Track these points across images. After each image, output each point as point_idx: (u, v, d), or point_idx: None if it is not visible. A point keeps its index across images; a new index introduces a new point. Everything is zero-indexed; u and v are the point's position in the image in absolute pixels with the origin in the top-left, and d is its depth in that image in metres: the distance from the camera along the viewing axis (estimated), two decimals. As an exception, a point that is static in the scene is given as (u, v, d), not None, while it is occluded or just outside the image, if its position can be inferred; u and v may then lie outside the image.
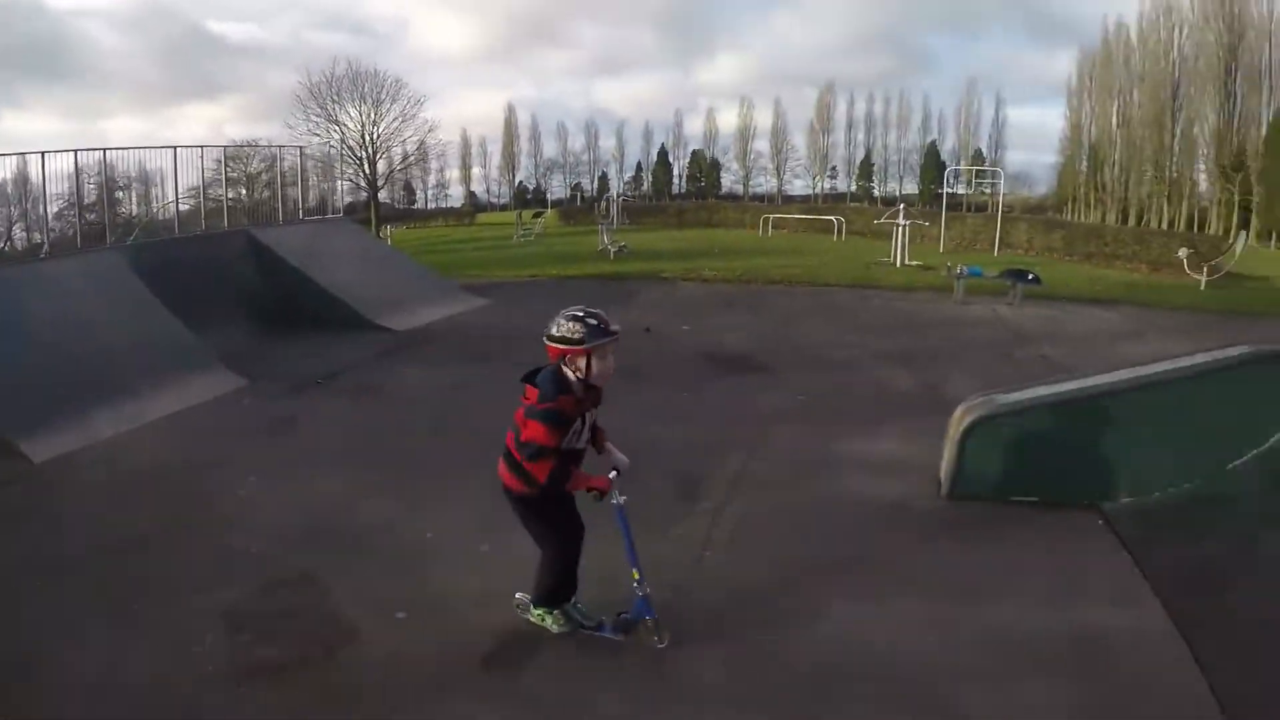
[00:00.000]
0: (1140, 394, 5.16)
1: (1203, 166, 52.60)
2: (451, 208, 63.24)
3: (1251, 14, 48.95)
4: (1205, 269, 15.98)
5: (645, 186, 71.50)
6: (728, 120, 70.95)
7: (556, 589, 3.40)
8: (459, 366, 9.26)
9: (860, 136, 70.82)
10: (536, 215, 37.89)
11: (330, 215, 15.91)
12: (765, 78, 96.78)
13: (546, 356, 3.15)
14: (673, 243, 25.48)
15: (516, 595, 3.52)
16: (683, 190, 70.70)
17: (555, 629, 3.42)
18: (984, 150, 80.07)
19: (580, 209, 47.47)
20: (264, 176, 20.28)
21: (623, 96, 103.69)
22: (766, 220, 31.09)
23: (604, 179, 69.55)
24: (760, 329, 11.68)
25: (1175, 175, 55.82)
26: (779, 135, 69.31)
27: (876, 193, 68.18)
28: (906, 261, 18.38)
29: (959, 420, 5.21)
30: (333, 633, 3.47)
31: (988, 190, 33.60)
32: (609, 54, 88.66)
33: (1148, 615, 3.72)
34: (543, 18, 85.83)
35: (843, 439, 6.13)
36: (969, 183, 53.62)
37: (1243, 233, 20.51)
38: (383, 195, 50.47)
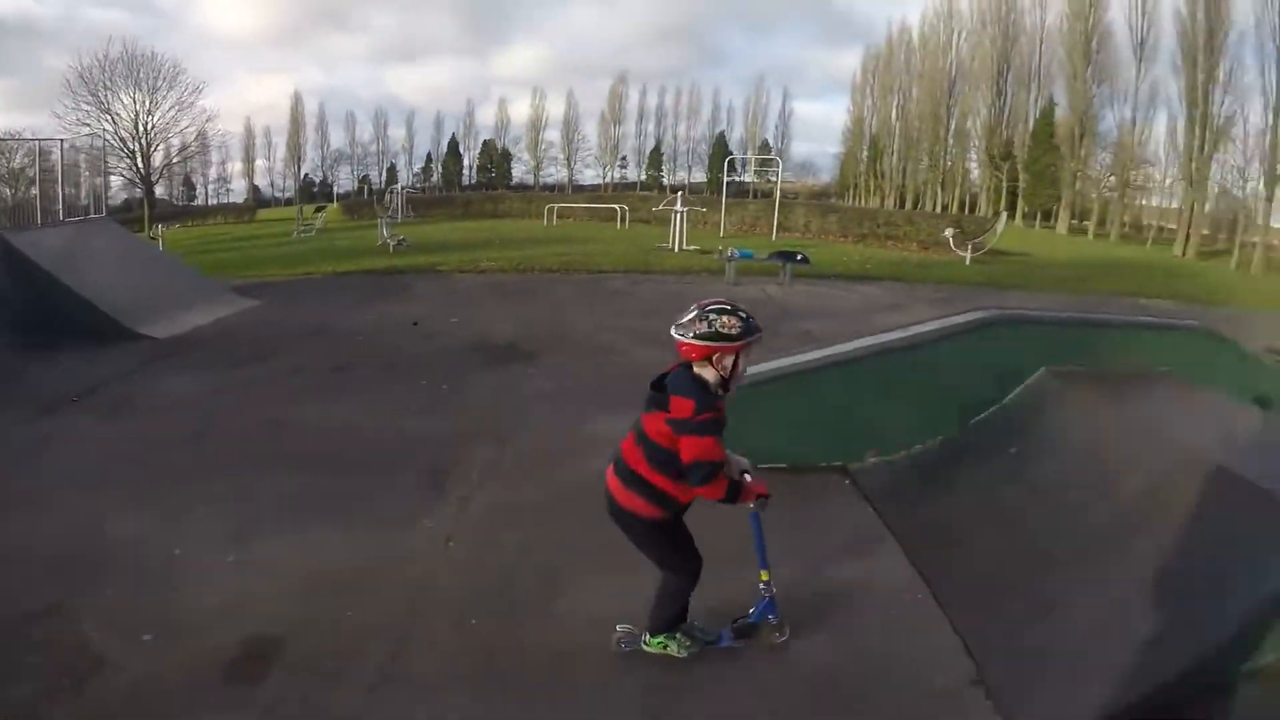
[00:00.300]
0: (881, 359, 5.39)
1: (974, 156, 58.66)
2: (233, 203, 58.19)
3: (1024, 22, 55.05)
4: (969, 246, 17.77)
5: (435, 178, 69.49)
6: (520, 111, 70.71)
7: (682, 614, 3.13)
8: (222, 372, 8.51)
9: (651, 127, 72.73)
10: (318, 210, 36.30)
11: (94, 215, 14.05)
12: (562, 68, 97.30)
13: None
14: (456, 235, 25.09)
15: (618, 628, 3.21)
16: (473, 181, 69.36)
17: (683, 654, 3.12)
18: (770, 141, 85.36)
19: (365, 202, 45.29)
20: (29, 173, 17.60)
21: (415, 85, 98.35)
22: (551, 210, 31.23)
23: (392, 170, 68.45)
24: (530, 317, 11.57)
25: (950, 164, 62.13)
26: (570, 125, 69.67)
27: (666, 182, 69.81)
28: (684, 246, 18.92)
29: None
30: (82, 663, 3.29)
31: (773, 178, 35.82)
32: (402, 40, 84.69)
33: (892, 567, 3.90)
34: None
35: (597, 421, 5.98)
36: (752, 170, 57.40)
37: (1003, 213, 22.86)
38: (160, 190, 46.08)
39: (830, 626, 3.38)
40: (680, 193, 22.18)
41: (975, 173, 59.21)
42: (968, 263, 17.37)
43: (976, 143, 58.10)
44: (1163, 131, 44.36)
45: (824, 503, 4.72)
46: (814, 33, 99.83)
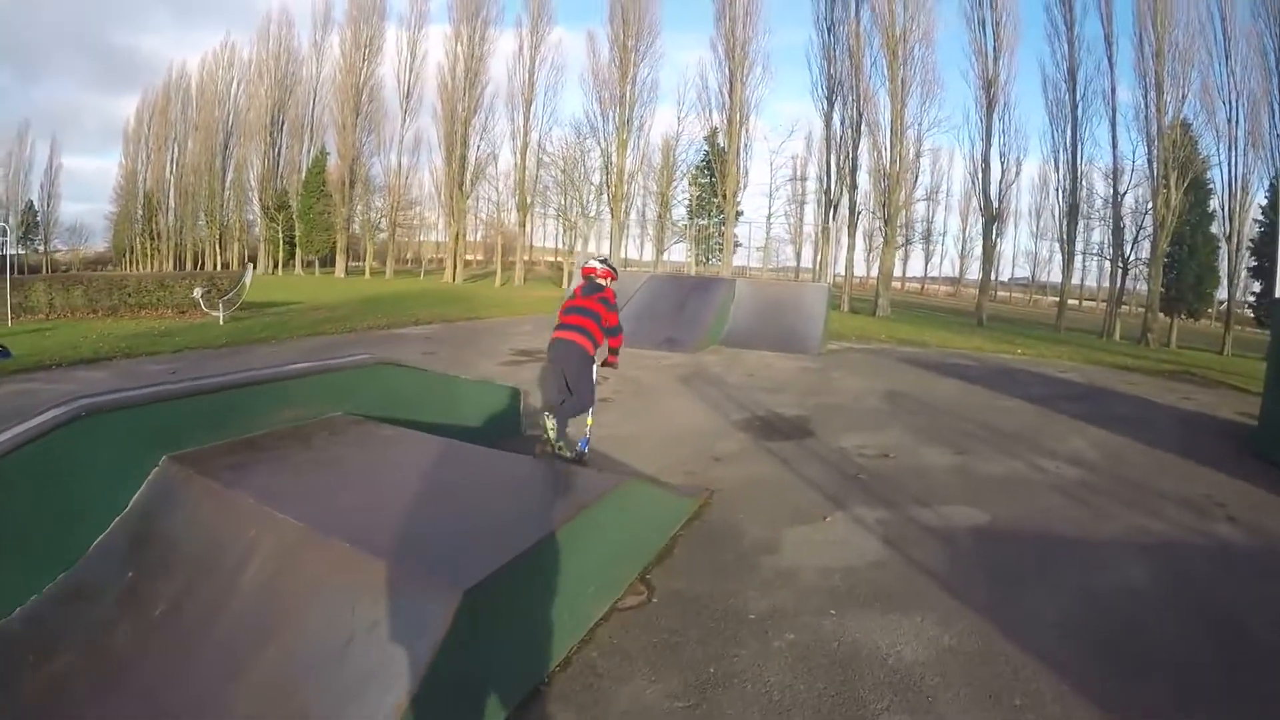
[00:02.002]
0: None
1: (255, 209, 57.05)
2: None
3: (301, 74, 54.99)
4: (221, 305, 16.32)
5: None
6: None
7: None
8: None
9: None
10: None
11: None
12: None
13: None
14: None
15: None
16: None
17: (569, 455, 5.09)
18: (35, 202, 70.76)
19: None
20: None
21: None
22: None
23: None
24: None
25: (229, 219, 59.31)
26: None
27: None
28: None
29: None
30: None
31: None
32: None
33: None
34: None
35: None
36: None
37: (249, 265, 21.99)
38: None
39: None
40: None
41: (257, 226, 57.67)
42: (222, 322, 15.83)
43: (253, 195, 56.66)
44: (426, 174, 50.89)
45: None
46: (88, 75, 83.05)
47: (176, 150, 63.43)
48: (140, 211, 66.82)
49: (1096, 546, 4.45)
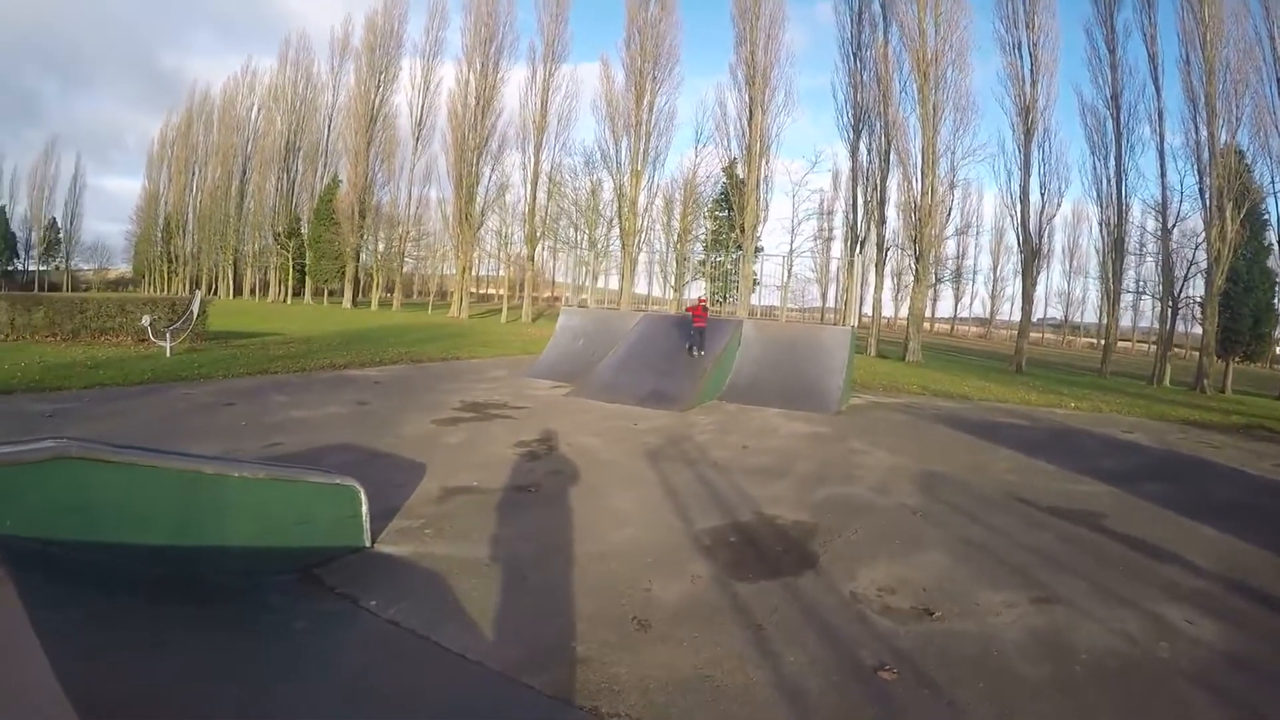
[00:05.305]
0: None
1: (269, 234, 56.19)
2: None
3: (319, 100, 54.42)
4: (168, 334, 14.57)
5: None
6: None
7: None
8: None
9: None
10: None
11: None
12: None
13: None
14: None
15: None
16: None
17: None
18: (59, 219, 71.18)
19: None
20: None
21: None
22: None
23: None
24: None
25: (243, 244, 58.59)
26: None
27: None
28: None
29: None
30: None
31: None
32: None
33: None
34: None
35: None
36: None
37: (198, 291, 20.30)
38: None
39: None
40: None
41: (276, 252, 57.01)
42: (169, 354, 14.01)
43: (269, 220, 55.91)
44: (435, 205, 49.70)
45: None
46: (131, 93, 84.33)
47: (197, 173, 63.52)
48: (160, 234, 66.76)
49: None
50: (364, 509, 4.39)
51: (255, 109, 59.34)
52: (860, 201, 30.25)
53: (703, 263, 37.42)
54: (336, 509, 4.33)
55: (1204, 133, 23.87)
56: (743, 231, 31.87)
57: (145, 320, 15.35)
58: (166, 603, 3.36)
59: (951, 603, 4.07)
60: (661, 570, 4.34)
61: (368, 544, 4.42)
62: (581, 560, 4.43)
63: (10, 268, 68.62)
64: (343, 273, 48.73)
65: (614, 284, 36.86)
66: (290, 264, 52.70)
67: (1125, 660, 3.51)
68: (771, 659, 3.34)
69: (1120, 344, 39.28)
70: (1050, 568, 4.71)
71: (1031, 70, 27.65)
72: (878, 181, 29.46)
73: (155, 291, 59.37)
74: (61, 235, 71.41)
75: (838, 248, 41.82)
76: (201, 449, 6.41)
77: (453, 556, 4.37)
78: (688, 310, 14.56)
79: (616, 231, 35.92)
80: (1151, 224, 28.57)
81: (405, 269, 52.27)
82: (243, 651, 3.14)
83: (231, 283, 58.85)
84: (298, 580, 3.97)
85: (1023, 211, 28.21)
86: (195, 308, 15.59)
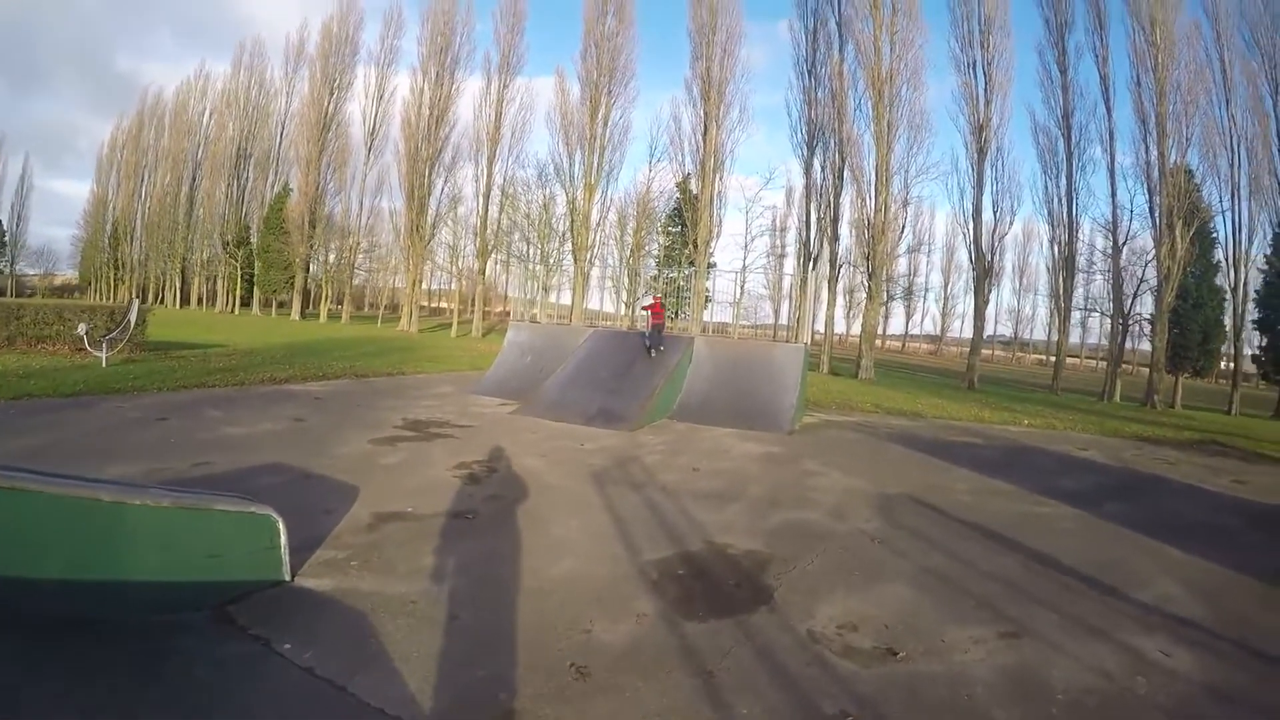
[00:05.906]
0: None
1: (217, 243, 54.58)
2: None
3: (271, 107, 52.96)
4: (104, 344, 13.80)
5: None
6: None
7: None
8: None
9: None
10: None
11: None
12: None
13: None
14: None
15: None
16: None
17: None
18: (4, 221, 68.15)
19: None
20: None
21: None
22: None
23: None
24: None
25: (191, 252, 56.79)
26: None
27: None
28: None
29: None
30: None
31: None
32: None
33: None
34: None
35: None
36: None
37: (135, 300, 19.39)
38: None
39: None
40: None
41: (221, 261, 55.25)
42: (104, 364, 13.29)
43: (217, 229, 54.21)
44: (387, 216, 48.74)
45: None
46: (85, 95, 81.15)
47: (146, 178, 61.46)
48: (107, 240, 64.34)
49: None
50: (283, 540, 3.93)
51: (207, 114, 57.75)
52: (814, 218, 30.37)
53: (655, 278, 37.22)
54: (252, 540, 3.87)
55: (1154, 152, 24.60)
56: (696, 247, 31.78)
57: (81, 328, 14.50)
58: (59, 645, 2.90)
59: (916, 640, 3.78)
60: (604, 608, 3.96)
61: (287, 578, 3.96)
62: (519, 597, 4.04)
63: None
64: (291, 283, 47.31)
65: (566, 299, 36.48)
66: (239, 273, 51.15)
67: (1104, 697, 3.27)
68: (724, 711, 2.99)
69: (1069, 360, 40.23)
70: (1017, 599, 4.47)
71: (986, 89, 28.22)
72: (831, 198, 29.60)
73: (101, 299, 57.07)
74: (6, 239, 68.31)
75: (790, 264, 42.07)
76: (124, 469, 5.88)
77: (379, 592, 3.95)
78: (644, 309, 14.64)
79: (569, 246, 35.53)
80: (1101, 242, 29.40)
81: (356, 281, 51.18)
82: (143, 701, 2.71)
83: (179, 292, 56.94)
84: (209, 619, 3.54)
85: (975, 229, 28.66)
86: (133, 316, 14.76)
